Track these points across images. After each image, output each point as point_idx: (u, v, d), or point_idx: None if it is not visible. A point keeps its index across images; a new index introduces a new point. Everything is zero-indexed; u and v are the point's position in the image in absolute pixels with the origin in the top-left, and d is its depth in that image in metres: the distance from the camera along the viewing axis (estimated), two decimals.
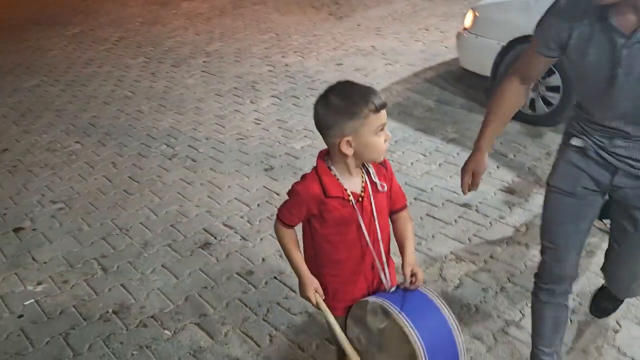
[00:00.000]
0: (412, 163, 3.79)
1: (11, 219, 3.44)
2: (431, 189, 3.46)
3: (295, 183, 1.58)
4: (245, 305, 2.57)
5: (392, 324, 1.46)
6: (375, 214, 1.57)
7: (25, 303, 2.68)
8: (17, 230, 3.32)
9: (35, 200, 3.65)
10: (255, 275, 2.78)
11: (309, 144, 4.11)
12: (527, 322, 2.36)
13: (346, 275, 1.62)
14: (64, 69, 6.52)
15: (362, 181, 1.57)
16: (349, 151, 1.47)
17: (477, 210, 3.21)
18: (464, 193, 1.91)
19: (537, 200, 3.26)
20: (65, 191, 3.74)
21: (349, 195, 1.53)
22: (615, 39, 1.47)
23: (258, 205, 3.41)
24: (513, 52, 4.21)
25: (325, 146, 1.56)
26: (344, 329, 1.64)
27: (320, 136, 1.53)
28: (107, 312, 2.59)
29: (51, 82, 6.10)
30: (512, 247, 2.88)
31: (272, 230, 3.08)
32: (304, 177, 1.58)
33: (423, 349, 1.40)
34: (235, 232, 3.14)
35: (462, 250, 2.87)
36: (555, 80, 4.03)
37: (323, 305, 1.60)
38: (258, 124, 4.60)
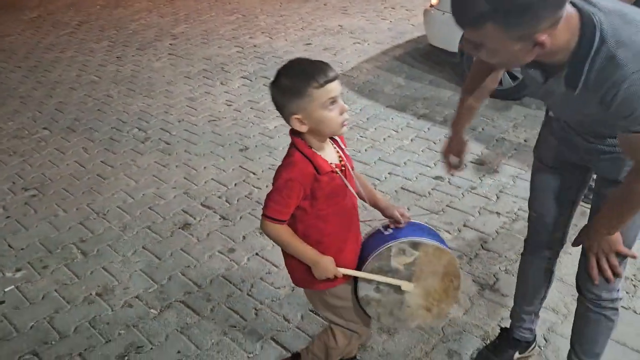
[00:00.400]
0: (384, 139, 3.87)
1: None
2: (404, 163, 3.55)
3: (285, 172, 1.54)
4: (229, 282, 2.62)
5: (424, 251, 1.63)
6: (353, 177, 1.66)
7: (6, 290, 2.66)
8: None
9: (6, 188, 3.58)
10: (237, 252, 2.82)
11: (282, 124, 4.13)
12: (501, 285, 2.50)
13: (339, 244, 1.66)
14: (24, 55, 6.33)
15: (336, 151, 1.62)
16: (302, 128, 1.50)
17: (449, 182, 3.31)
18: (452, 174, 1.95)
19: (506, 170, 3.39)
20: (37, 178, 3.68)
21: (335, 167, 1.57)
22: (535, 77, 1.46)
23: (235, 184, 3.44)
24: None
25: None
26: (355, 291, 1.70)
27: None
28: (91, 294, 2.60)
29: (12, 69, 5.92)
30: (484, 215, 2.99)
31: (251, 208, 3.16)
32: (291, 162, 1.54)
33: (453, 255, 1.69)
34: (215, 212, 3.17)
35: (437, 220, 2.97)
36: None
37: (350, 271, 1.64)
38: (230, 105, 4.59)
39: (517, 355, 2.11)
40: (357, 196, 1.68)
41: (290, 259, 1.69)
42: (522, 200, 3.07)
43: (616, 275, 1.61)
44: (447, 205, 3.10)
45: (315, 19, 6.79)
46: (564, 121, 1.64)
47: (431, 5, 4.72)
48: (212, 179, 3.52)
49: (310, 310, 2.40)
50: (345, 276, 1.67)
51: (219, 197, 3.32)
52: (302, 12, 7.11)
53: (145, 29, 6.94)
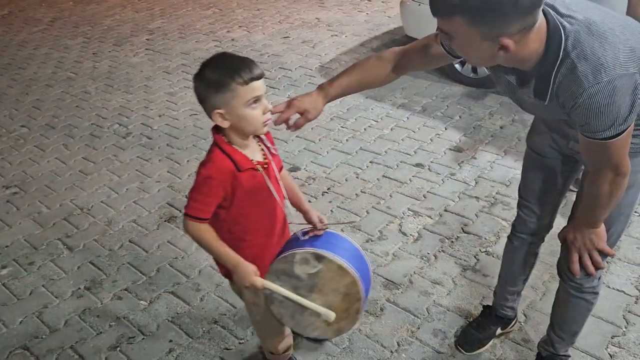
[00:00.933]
0: (365, 129, 3.93)
1: None
2: (385, 151, 3.62)
3: (202, 168, 1.52)
4: (218, 272, 2.65)
5: (326, 266, 1.60)
6: (278, 177, 1.65)
7: None
8: None
9: None
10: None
11: None
12: (482, 266, 2.58)
13: (262, 241, 1.67)
14: None
15: (261, 148, 1.61)
16: (224, 124, 1.48)
17: (429, 169, 3.39)
18: (275, 124, 1.64)
19: (484, 156, 3.48)
20: (17, 176, 3.65)
21: (257, 165, 1.56)
22: (510, 82, 1.49)
23: None
24: None
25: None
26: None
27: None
28: (79, 288, 2.61)
29: None
30: (464, 200, 3.08)
31: None
32: (209, 159, 1.53)
33: (358, 276, 1.62)
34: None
35: (418, 206, 3.05)
36: None
37: (270, 284, 1.62)
38: None
39: (499, 330, 2.20)
40: (279, 196, 1.65)
41: None
42: (499, 184, 3.16)
43: (598, 269, 1.65)
44: (427, 192, 3.18)
45: (292, 12, 6.81)
46: None
47: None
48: (195, 172, 3.53)
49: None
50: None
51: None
52: (279, 5, 7.12)
53: (120, 25, 6.88)
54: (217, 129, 1.53)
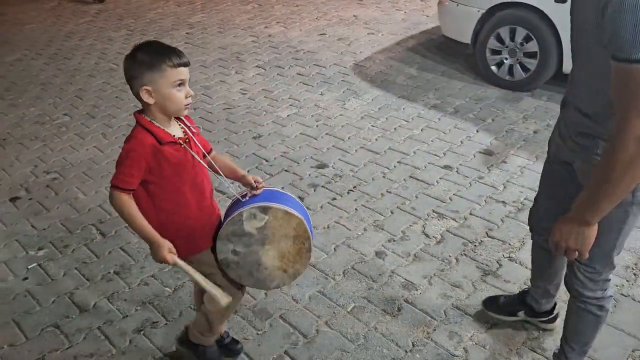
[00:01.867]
0: (395, 129, 3.93)
1: (6, 190, 3.52)
2: (414, 152, 3.62)
3: (126, 145, 1.66)
4: None
5: (273, 215, 1.76)
6: (201, 152, 1.80)
7: (29, 267, 2.79)
8: (13, 199, 3.40)
9: (28, 171, 3.72)
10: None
11: (295, 112, 4.22)
12: (504, 272, 2.57)
13: (194, 215, 1.79)
14: (45, 43, 6.48)
15: (181, 128, 1.77)
16: (150, 100, 1.64)
17: (457, 172, 3.37)
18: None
19: (514, 161, 3.44)
20: (57, 162, 3.82)
21: (179, 139, 1.71)
22: None
23: (248, 171, 3.53)
24: (493, 19, 4.34)
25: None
26: (214, 254, 1.83)
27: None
28: (109, 272, 2.72)
29: (33, 56, 6.07)
30: (490, 204, 3.05)
31: None
32: (132, 135, 1.67)
33: (303, 217, 1.81)
34: (228, 197, 3.27)
35: (444, 209, 3.04)
36: (533, 46, 4.17)
37: (181, 263, 1.72)
38: (244, 94, 4.68)
39: (522, 315, 2.24)
40: (207, 168, 1.81)
41: (163, 232, 1.77)
42: (528, 190, 3.12)
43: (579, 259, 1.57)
44: (454, 194, 3.16)
45: (330, 9, 6.84)
46: (571, 108, 1.61)
47: None
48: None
49: (318, 292, 2.50)
50: (208, 242, 1.83)
51: (232, 182, 3.40)
52: (317, 2, 7.16)
53: (162, 18, 7.05)
54: (139, 112, 1.72)
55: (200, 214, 1.81)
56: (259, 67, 5.22)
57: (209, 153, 1.86)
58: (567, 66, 4.04)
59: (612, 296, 1.83)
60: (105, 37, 6.48)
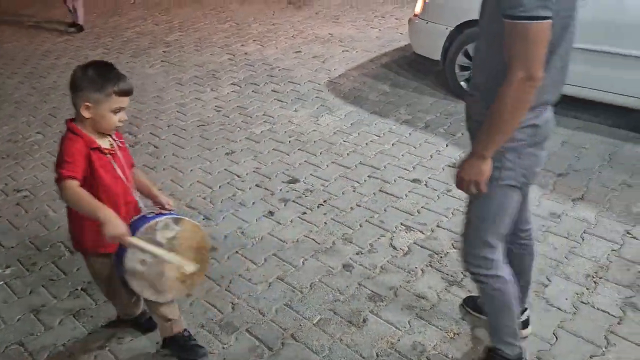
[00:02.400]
0: (366, 144, 4.00)
1: None
2: (384, 166, 3.67)
3: (63, 143, 1.80)
4: (209, 278, 2.73)
5: (184, 227, 1.89)
6: (124, 165, 1.94)
7: None
8: None
9: None
10: (218, 251, 2.94)
11: (269, 129, 4.26)
12: (468, 281, 2.61)
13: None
14: (21, 61, 6.48)
15: (109, 141, 1.91)
16: (86, 114, 1.79)
17: (426, 185, 3.43)
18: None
19: None
20: (29, 180, 3.80)
21: (104, 149, 1.87)
22: None
23: (220, 187, 3.56)
24: (461, 37, 4.45)
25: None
26: (122, 262, 1.84)
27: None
28: (76, 289, 2.71)
29: (8, 75, 6.06)
30: (457, 216, 3.11)
31: (234, 209, 3.28)
32: (66, 137, 1.81)
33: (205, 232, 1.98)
34: (199, 213, 3.29)
35: (412, 221, 3.09)
36: None
37: (138, 241, 1.78)
38: (219, 110, 4.72)
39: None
40: (126, 180, 1.94)
41: (76, 221, 1.95)
42: None
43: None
44: (422, 207, 3.22)
45: (306, 27, 6.94)
46: None
47: (415, 15, 4.87)
48: (197, 181, 3.64)
49: (285, 305, 2.52)
50: (111, 248, 1.90)
51: (204, 199, 3.44)
52: (294, 20, 7.27)
53: (140, 37, 7.09)
54: (71, 120, 1.87)
55: (121, 218, 1.88)
56: (235, 85, 5.27)
57: (130, 168, 2.00)
58: None
59: (501, 277, 1.91)
60: (82, 56, 6.49)
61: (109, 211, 1.73)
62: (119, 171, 1.90)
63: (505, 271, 1.93)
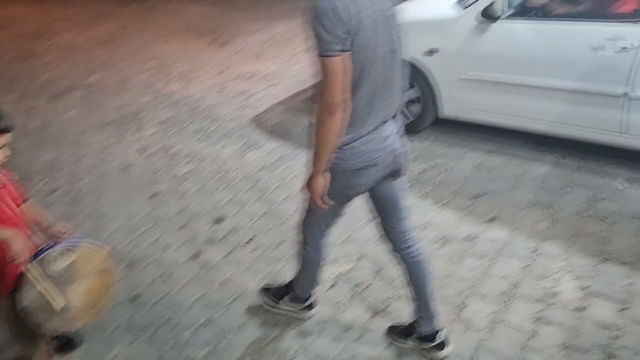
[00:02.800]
0: (291, 178, 4.06)
1: None
2: None
3: None
4: (134, 328, 2.66)
5: (78, 253, 1.90)
6: (8, 201, 1.95)
7: None
8: None
9: None
10: (142, 298, 2.87)
11: (193, 168, 4.24)
12: (393, 309, 2.69)
13: (5, 254, 1.86)
14: None
15: None
16: None
17: (351, 215, 3.51)
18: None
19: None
20: None
21: None
22: None
23: (143, 231, 3.50)
24: None
25: None
26: (19, 301, 1.84)
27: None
28: None
29: None
30: (380, 246, 3.19)
31: (159, 253, 3.22)
32: None
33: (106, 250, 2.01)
34: (121, 260, 3.21)
35: (336, 253, 3.15)
36: (416, 92, 4.47)
37: (32, 269, 1.81)
38: (142, 152, 4.65)
39: (411, 340, 2.47)
40: (12, 215, 1.93)
41: None
42: (418, 227, 3.31)
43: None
44: (347, 238, 3.29)
45: (230, 65, 7.00)
46: None
47: None
48: (120, 227, 3.56)
49: (209, 352, 2.49)
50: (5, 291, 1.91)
51: (127, 245, 3.36)
52: (217, 58, 7.31)
53: (57, 79, 6.89)
54: None
55: (3, 259, 1.85)
56: (158, 124, 5.22)
57: (22, 203, 2.01)
58: (441, 110, 4.38)
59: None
60: None
61: (10, 229, 1.78)
62: (3, 206, 1.91)
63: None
